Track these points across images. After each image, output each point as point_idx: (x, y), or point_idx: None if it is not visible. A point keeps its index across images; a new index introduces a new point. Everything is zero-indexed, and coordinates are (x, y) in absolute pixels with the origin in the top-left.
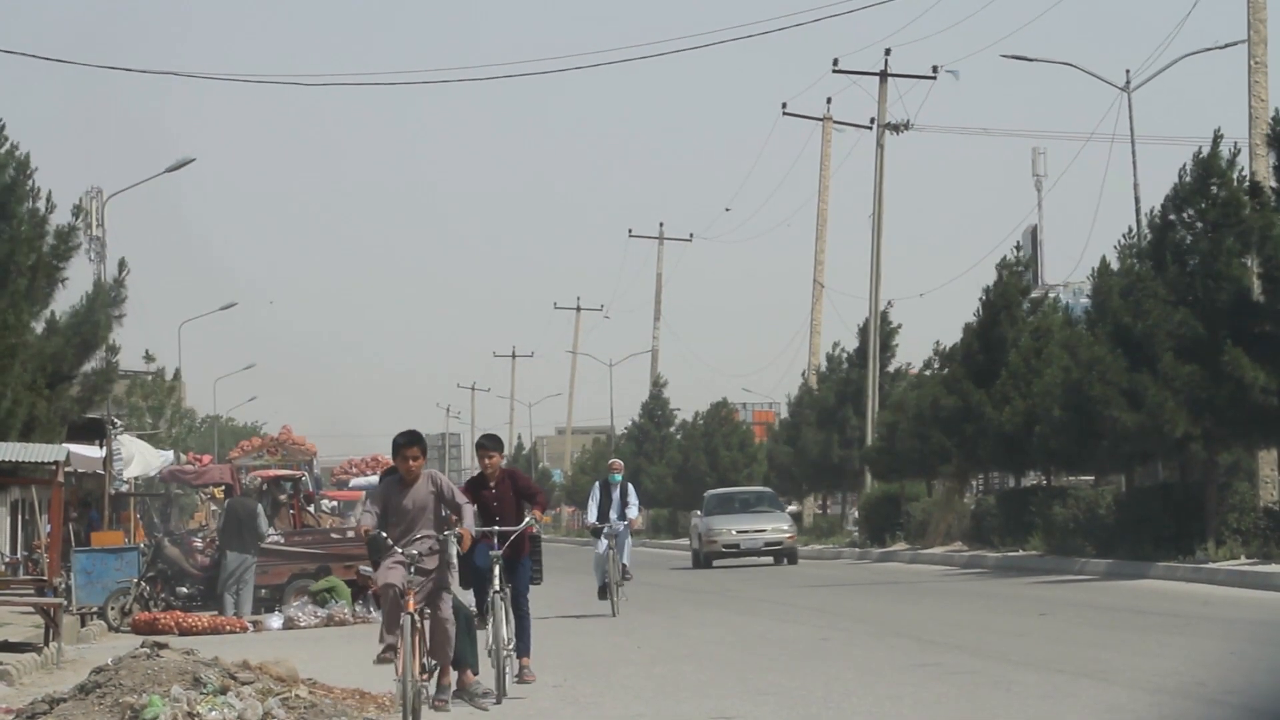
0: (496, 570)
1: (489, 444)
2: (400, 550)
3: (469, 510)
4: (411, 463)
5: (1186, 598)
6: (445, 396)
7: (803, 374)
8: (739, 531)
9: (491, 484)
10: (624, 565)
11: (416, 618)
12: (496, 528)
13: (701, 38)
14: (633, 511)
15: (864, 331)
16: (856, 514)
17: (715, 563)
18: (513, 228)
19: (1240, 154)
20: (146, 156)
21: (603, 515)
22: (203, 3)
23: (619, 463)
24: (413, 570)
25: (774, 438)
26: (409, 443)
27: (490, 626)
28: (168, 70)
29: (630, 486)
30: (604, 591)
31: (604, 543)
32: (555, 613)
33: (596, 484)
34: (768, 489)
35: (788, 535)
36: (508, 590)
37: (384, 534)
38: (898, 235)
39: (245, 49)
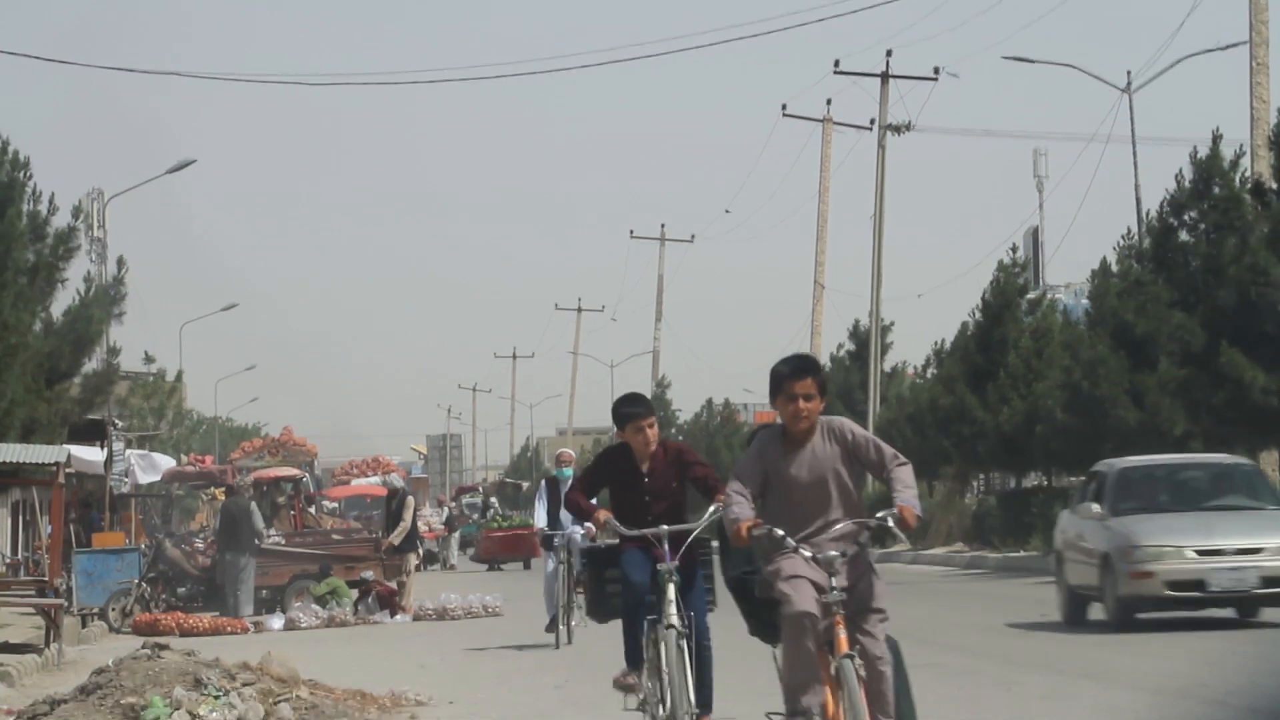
0: (672, 591)
1: (642, 409)
2: (809, 550)
3: (906, 472)
4: (803, 404)
5: None
6: (446, 397)
7: None
8: (1204, 552)
9: (644, 466)
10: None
11: (855, 664)
12: (665, 527)
13: (703, 39)
14: None
15: (855, 332)
16: None
17: (1143, 614)
18: (514, 228)
19: (1244, 156)
20: (148, 157)
21: (554, 521)
22: (203, 2)
23: (568, 453)
24: (832, 585)
25: None
26: (797, 372)
27: (658, 676)
28: (169, 70)
29: None
30: (554, 624)
31: (553, 560)
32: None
33: (543, 482)
34: (1245, 460)
35: None
36: (689, 619)
37: (778, 531)
38: (899, 236)
39: (245, 48)
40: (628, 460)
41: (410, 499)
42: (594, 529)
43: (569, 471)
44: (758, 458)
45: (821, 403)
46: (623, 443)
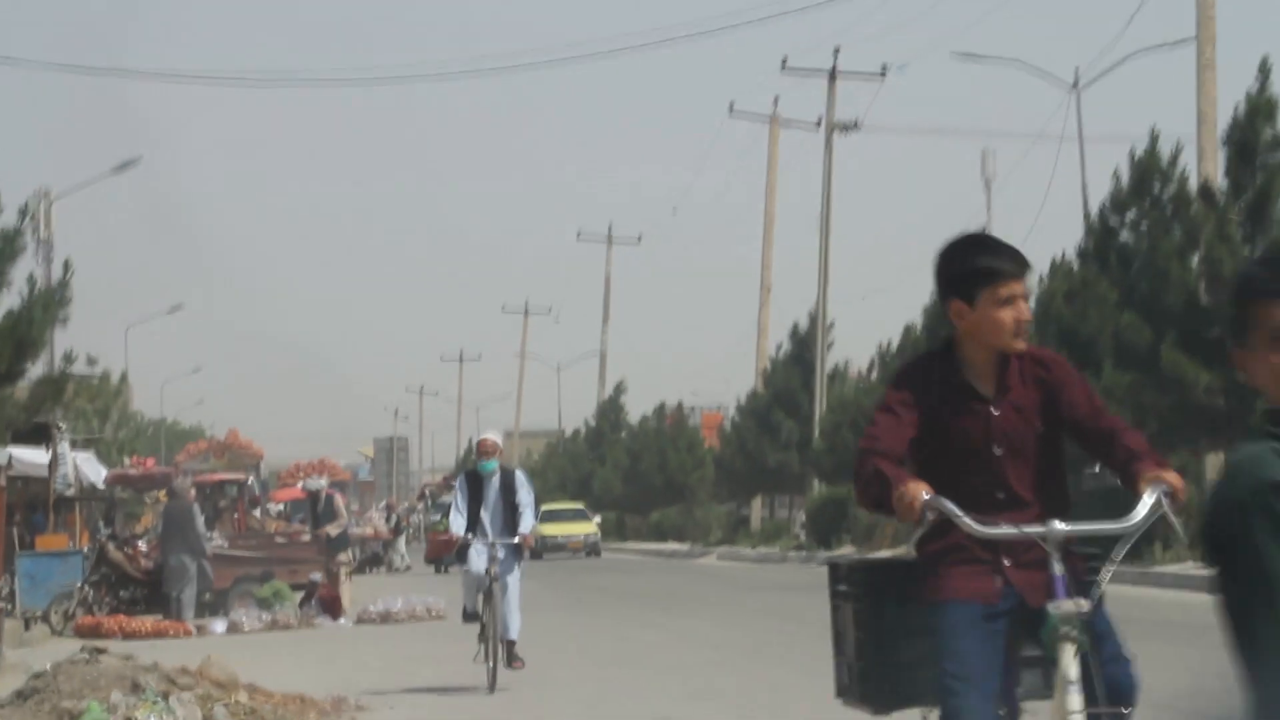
0: (1075, 665)
1: (1009, 263)
2: None
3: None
4: None
5: (1131, 602)
6: (393, 399)
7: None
8: None
9: (987, 387)
10: (509, 640)
11: None
12: (1006, 529)
13: (650, 36)
14: (526, 523)
15: (795, 333)
16: (803, 517)
17: None
18: (460, 229)
19: (1182, 153)
20: (106, 154)
21: (473, 523)
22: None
23: (491, 439)
24: None
25: (725, 440)
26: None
27: None
28: (118, 68)
29: (521, 478)
30: (470, 616)
31: (481, 557)
32: None
33: (461, 477)
34: None
35: None
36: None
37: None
38: (846, 236)
39: (210, 44)
40: (954, 375)
41: (338, 496)
42: (908, 510)
43: (493, 465)
44: None
45: None
46: (939, 349)
